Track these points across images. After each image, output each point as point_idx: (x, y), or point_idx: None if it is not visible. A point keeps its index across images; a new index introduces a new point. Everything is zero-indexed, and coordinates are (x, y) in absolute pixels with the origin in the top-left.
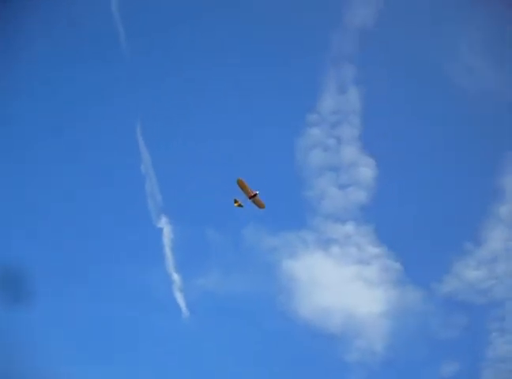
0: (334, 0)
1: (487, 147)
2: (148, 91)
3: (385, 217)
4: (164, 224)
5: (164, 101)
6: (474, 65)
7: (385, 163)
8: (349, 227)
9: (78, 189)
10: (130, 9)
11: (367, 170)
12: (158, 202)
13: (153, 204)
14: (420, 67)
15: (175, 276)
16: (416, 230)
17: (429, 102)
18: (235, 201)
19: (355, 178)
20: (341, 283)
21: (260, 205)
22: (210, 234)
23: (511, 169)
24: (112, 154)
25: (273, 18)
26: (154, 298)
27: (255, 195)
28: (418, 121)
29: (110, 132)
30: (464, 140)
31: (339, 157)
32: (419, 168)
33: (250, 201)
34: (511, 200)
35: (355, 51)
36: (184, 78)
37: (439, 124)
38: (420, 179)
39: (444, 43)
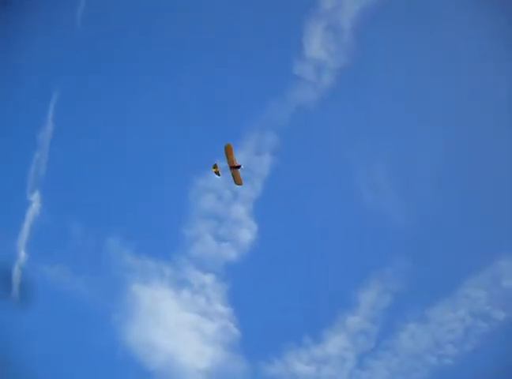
0: None
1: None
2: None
3: (243, 282)
4: (35, 199)
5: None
6: None
7: (265, 233)
8: (208, 278)
9: None
10: None
11: (247, 233)
12: (39, 175)
13: (34, 175)
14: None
15: (22, 254)
16: (267, 306)
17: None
18: (215, 167)
19: (233, 236)
20: (178, 326)
21: (238, 180)
22: (76, 228)
23: (374, 285)
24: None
25: None
26: None
27: (238, 166)
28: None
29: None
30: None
31: (228, 211)
32: (293, 250)
33: (229, 173)
34: (362, 314)
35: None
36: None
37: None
38: (291, 258)
39: None
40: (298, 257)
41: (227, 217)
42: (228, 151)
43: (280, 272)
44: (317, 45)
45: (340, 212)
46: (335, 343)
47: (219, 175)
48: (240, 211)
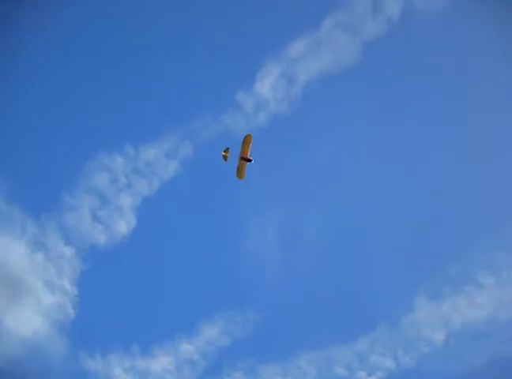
0: None
1: None
2: None
3: (101, 269)
4: None
5: None
6: None
7: (140, 233)
8: (68, 251)
9: None
10: None
11: (124, 225)
12: None
13: None
14: None
15: None
16: (113, 302)
17: None
18: (225, 151)
19: (110, 222)
20: (16, 285)
21: (240, 173)
22: None
23: (219, 323)
24: None
25: None
26: None
27: (249, 160)
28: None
29: None
30: None
31: (116, 196)
32: (160, 260)
33: (237, 163)
34: (196, 345)
35: None
36: None
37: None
38: (155, 266)
39: None
40: (162, 266)
41: (112, 202)
42: (247, 142)
43: (139, 275)
44: (267, 84)
45: (222, 243)
46: (160, 362)
47: (225, 160)
48: (127, 202)
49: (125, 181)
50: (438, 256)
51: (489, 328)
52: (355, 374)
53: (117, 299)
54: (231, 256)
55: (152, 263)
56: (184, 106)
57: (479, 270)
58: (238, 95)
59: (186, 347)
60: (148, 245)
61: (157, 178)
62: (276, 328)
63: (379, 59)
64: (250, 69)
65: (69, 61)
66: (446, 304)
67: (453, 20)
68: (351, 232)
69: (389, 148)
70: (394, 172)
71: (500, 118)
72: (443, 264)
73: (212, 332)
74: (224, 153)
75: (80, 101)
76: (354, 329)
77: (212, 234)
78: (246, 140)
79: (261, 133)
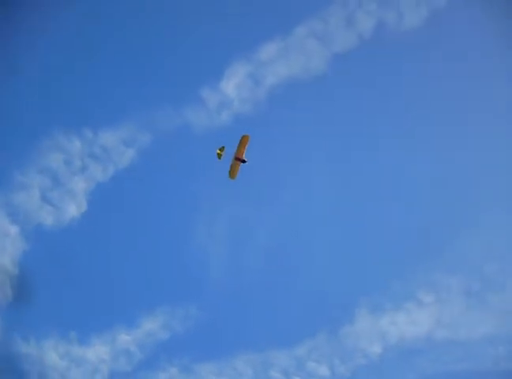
0: None
1: None
2: None
3: (43, 252)
4: None
5: None
6: None
7: (90, 220)
8: (12, 229)
9: None
10: None
11: (74, 209)
12: None
13: None
14: None
15: None
16: (50, 288)
17: None
18: (221, 149)
19: (60, 205)
20: None
21: (232, 173)
22: None
23: (161, 316)
24: None
25: None
26: None
27: (243, 161)
28: None
29: None
30: None
31: (69, 179)
32: (106, 250)
33: (231, 162)
34: (135, 337)
35: None
36: None
37: None
38: (99, 256)
39: None
40: (108, 255)
41: (65, 184)
42: (243, 142)
43: (84, 261)
44: (233, 83)
45: (170, 237)
46: (96, 351)
47: (219, 158)
48: (80, 185)
49: (79, 165)
50: (382, 271)
51: (424, 345)
52: None
53: (58, 283)
54: (179, 250)
55: (98, 250)
56: (147, 95)
57: (420, 288)
58: (202, 91)
59: (125, 338)
60: (96, 232)
61: (112, 164)
62: (217, 326)
63: (346, 72)
64: (219, 66)
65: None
66: (385, 318)
67: (424, 42)
68: (302, 238)
69: (345, 159)
70: (349, 182)
71: (460, 150)
72: (387, 279)
73: (152, 326)
74: (218, 151)
75: (44, 79)
76: (294, 335)
77: (161, 227)
78: (243, 140)
79: (222, 131)
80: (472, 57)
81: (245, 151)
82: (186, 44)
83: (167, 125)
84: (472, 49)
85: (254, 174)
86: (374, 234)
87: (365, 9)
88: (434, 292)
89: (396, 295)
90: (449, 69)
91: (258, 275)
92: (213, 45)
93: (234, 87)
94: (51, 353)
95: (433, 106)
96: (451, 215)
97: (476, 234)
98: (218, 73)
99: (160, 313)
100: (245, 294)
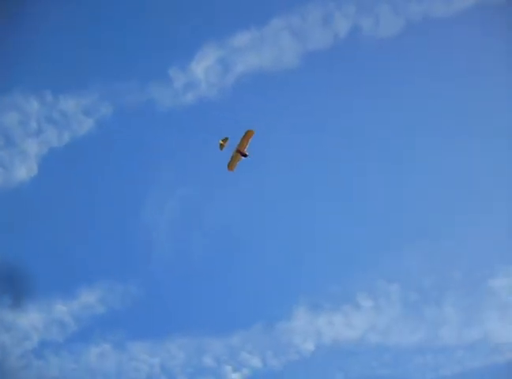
0: None
1: None
2: None
3: None
4: None
5: None
6: None
7: (40, 184)
8: None
9: None
10: None
11: (24, 172)
12: None
13: None
14: None
15: None
16: None
17: None
18: (224, 140)
19: (9, 166)
20: None
21: (232, 165)
22: None
23: (99, 288)
24: None
25: None
26: None
27: (244, 154)
28: None
29: None
30: None
31: (22, 140)
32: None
33: (232, 153)
34: (71, 307)
35: None
36: None
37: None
38: (44, 223)
39: None
40: (52, 223)
41: (17, 146)
42: (247, 136)
43: (28, 227)
44: (203, 66)
45: (117, 212)
46: (30, 318)
47: (221, 149)
48: (33, 149)
49: (35, 127)
50: (325, 272)
51: (356, 348)
52: (221, 367)
53: None
54: (126, 226)
55: (44, 216)
56: (114, 67)
57: (360, 293)
58: (171, 70)
59: (60, 308)
60: (43, 198)
61: (69, 131)
62: (154, 307)
63: (317, 69)
64: (191, 47)
65: None
66: (322, 318)
67: (397, 52)
68: (250, 227)
69: (303, 151)
70: (305, 177)
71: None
72: (329, 280)
73: (89, 299)
74: (221, 142)
75: (13, 39)
76: (230, 324)
77: (109, 201)
78: (247, 135)
79: (185, 111)
80: (443, 73)
81: (248, 145)
82: (161, 21)
83: (131, 99)
84: (444, 65)
85: (210, 157)
86: (322, 235)
87: (343, 12)
88: (373, 298)
89: (336, 297)
90: (420, 81)
91: (202, 260)
92: (188, 26)
93: (203, 69)
94: None
95: (399, 116)
96: (397, 226)
97: (418, 246)
98: (189, 53)
99: (99, 286)
100: (186, 278)
